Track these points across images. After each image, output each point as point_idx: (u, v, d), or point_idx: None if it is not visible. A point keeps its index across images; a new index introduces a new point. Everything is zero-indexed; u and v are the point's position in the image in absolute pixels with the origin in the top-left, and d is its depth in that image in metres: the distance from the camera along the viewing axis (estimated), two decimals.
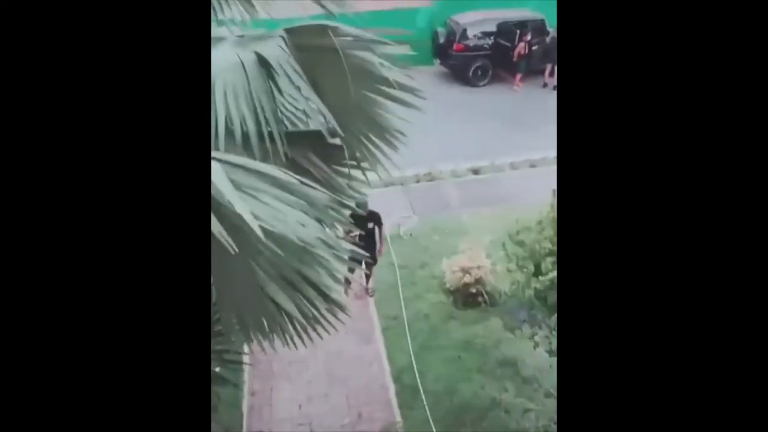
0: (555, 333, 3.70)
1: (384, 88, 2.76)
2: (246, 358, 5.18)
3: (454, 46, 11.45)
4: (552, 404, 2.37)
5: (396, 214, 7.28)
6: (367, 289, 5.99)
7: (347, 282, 5.40)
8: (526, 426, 2.24)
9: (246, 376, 5.11)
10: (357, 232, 5.28)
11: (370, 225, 5.32)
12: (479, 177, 8.28)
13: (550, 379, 2.45)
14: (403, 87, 2.73)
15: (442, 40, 11.79)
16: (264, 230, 1.92)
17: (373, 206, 7.47)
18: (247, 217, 1.82)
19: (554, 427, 2.26)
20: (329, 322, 2.93)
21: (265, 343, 2.82)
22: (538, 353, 2.68)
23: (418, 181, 8.29)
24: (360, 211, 4.79)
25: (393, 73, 2.69)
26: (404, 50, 2.62)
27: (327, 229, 2.60)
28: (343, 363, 5.23)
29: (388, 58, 2.69)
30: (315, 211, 2.26)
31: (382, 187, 8.10)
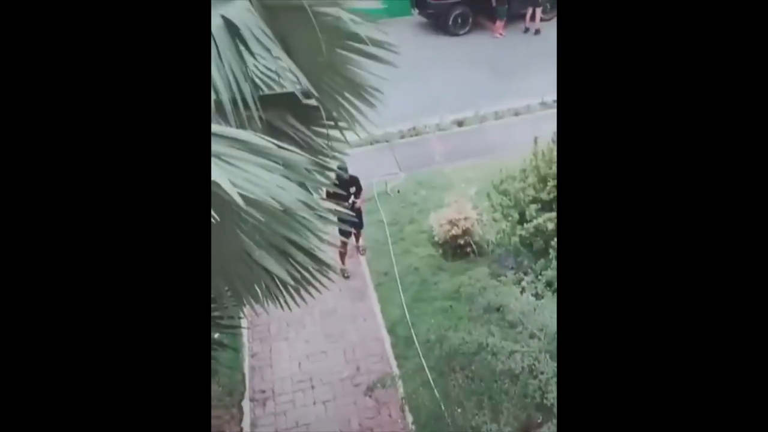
0: (540, 277, 3.81)
1: (356, 44, 2.72)
2: (244, 322, 5.32)
3: None
4: (536, 344, 2.49)
5: (383, 171, 7.29)
6: (358, 248, 6.07)
7: (343, 245, 5.46)
8: (512, 366, 2.36)
9: (245, 339, 5.25)
10: (352, 199, 5.33)
11: (352, 189, 5.35)
12: (463, 129, 8.25)
13: (534, 321, 2.56)
14: (375, 42, 2.69)
15: None
16: (244, 197, 1.95)
17: (360, 164, 7.48)
18: (226, 185, 1.83)
19: (538, 365, 2.39)
20: (320, 282, 3.00)
21: (258, 307, 2.90)
22: (522, 297, 2.79)
23: (402, 137, 8.26)
24: (342, 173, 4.78)
25: (364, 29, 2.65)
26: (374, 4, 2.58)
27: (312, 193, 2.62)
28: (338, 320, 5.37)
29: (359, 12, 2.63)
30: (295, 174, 2.27)
31: (368, 145, 8.07)
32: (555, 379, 2.30)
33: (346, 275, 5.79)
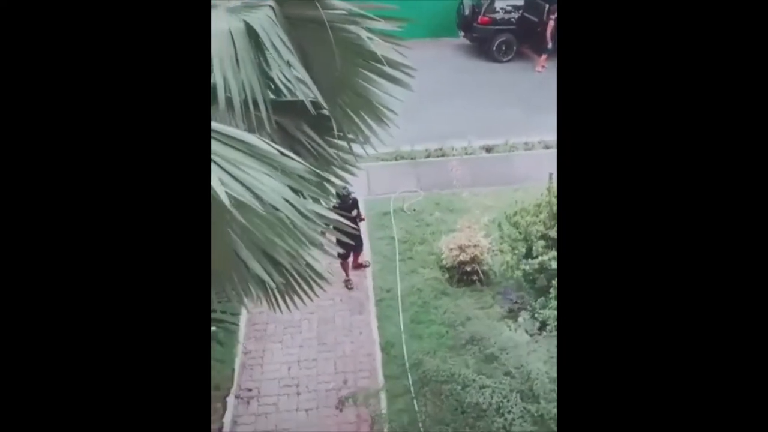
0: (537, 315, 3.78)
1: (373, 63, 2.80)
2: (242, 319, 5.41)
3: (479, 19, 11.23)
4: (508, 382, 2.48)
5: (402, 187, 7.35)
6: (361, 264, 6.09)
7: (345, 256, 5.51)
8: (480, 401, 2.35)
9: (241, 336, 5.33)
10: (355, 214, 5.40)
11: (354, 212, 5.42)
12: (490, 156, 8.25)
13: (512, 359, 2.55)
14: (393, 63, 2.76)
15: (467, 11, 11.57)
16: (234, 198, 2.03)
17: (381, 178, 7.57)
18: (214, 183, 1.91)
19: (507, 404, 2.38)
20: (312, 290, 3.05)
21: (255, 306, 2.95)
22: (505, 333, 2.79)
23: (428, 156, 8.31)
24: (345, 194, 4.79)
25: (383, 49, 2.72)
26: (392, 26, 2.65)
27: (309, 201, 2.69)
28: (334, 330, 5.41)
29: (380, 32, 2.71)
30: (293, 182, 2.34)
31: (392, 161, 8.16)
32: (521, 420, 2.29)
33: (349, 286, 5.84)
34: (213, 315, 3.72)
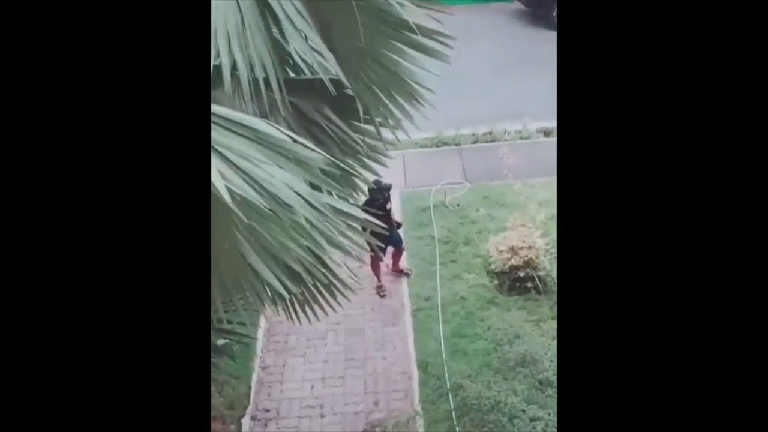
0: None
1: (404, 32, 2.72)
2: (259, 331, 5.44)
3: None
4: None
5: (444, 178, 7.24)
6: (401, 270, 6.00)
7: (376, 257, 5.46)
8: None
9: (258, 349, 5.37)
10: (389, 206, 5.34)
11: (388, 206, 5.33)
12: (548, 140, 8.02)
13: None
14: (425, 32, 2.68)
15: None
16: (240, 196, 1.99)
17: (419, 168, 7.47)
18: (214, 178, 1.88)
19: None
20: (334, 297, 3.01)
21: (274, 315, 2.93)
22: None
23: (476, 142, 8.16)
24: (373, 186, 4.65)
25: (415, 15, 2.63)
26: None
27: (333, 196, 2.63)
28: (364, 343, 5.38)
29: None
30: (311, 174, 2.28)
31: (433, 147, 8.06)
32: None
33: (382, 293, 5.78)
34: (223, 326, 3.74)
